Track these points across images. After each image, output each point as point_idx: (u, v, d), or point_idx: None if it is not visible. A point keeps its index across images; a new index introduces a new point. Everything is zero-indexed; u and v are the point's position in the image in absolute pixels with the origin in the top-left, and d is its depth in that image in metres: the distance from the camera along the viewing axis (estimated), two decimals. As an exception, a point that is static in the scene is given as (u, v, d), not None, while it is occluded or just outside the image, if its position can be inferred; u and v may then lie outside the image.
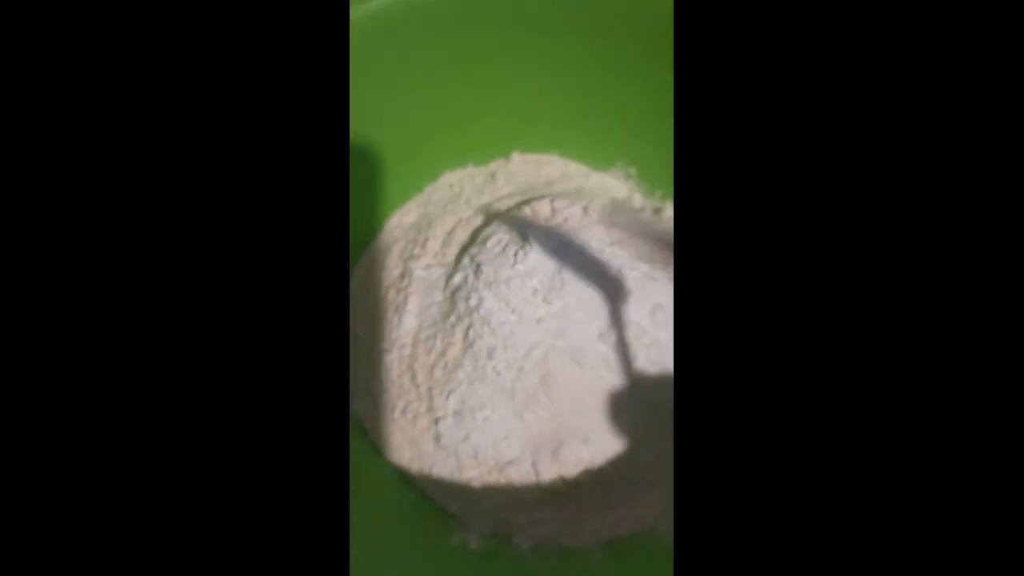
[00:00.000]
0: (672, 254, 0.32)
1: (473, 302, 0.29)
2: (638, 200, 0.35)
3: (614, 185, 0.36)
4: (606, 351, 0.28)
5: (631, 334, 0.29)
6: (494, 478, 0.29)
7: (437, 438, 0.29)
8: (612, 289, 0.29)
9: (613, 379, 0.29)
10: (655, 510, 0.29)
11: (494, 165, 0.36)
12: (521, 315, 0.29)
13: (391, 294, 0.32)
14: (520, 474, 0.29)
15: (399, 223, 0.34)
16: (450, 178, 0.36)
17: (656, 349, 0.29)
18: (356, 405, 0.31)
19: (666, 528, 0.29)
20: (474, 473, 0.29)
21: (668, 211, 0.34)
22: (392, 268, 0.33)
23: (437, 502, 0.30)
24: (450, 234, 0.33)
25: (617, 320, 0.29)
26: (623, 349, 0.29)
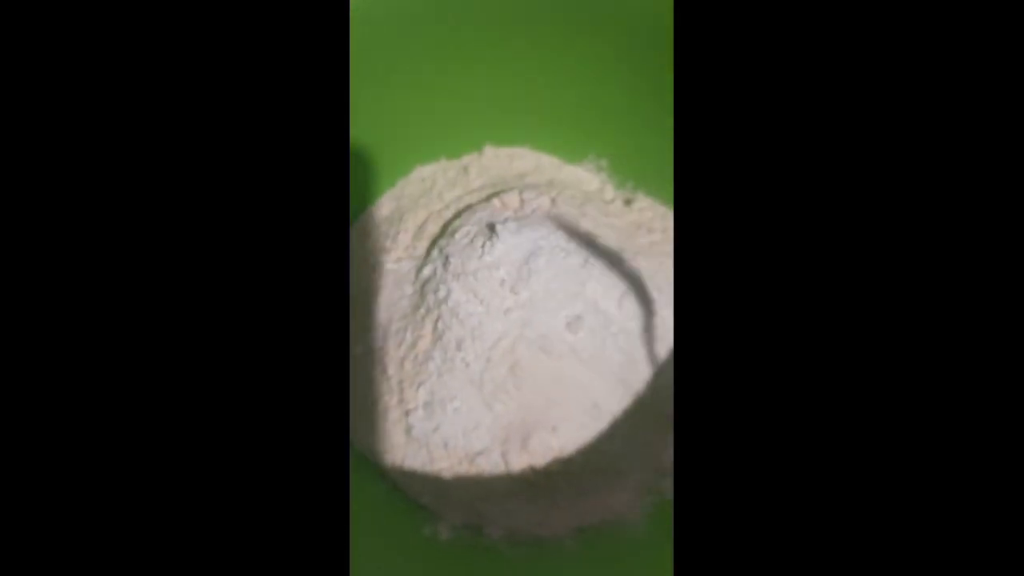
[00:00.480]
0: (640, 244, 0.32)
1: (442, 294, 0.29)
2: (609, 192, 0.35)
3: (586, 177, 0.36)
4: (573, 340, 0.29)
5: (599, 323, 0.29)
6: (465, 469, 0.29)
7: (408, 430, 0.29)
8: (579, 279, 0.29)
9: (581, 368, 0.29)
10: (625, 498, 0.29)
11: (466, 159, 0.36)
12: (489, 306, 0.29)
13: (362, 288, 0.32)
14: (490, 464, 0.29)
15: (371, 217, 0.35)
16: (422, 172, 0.36)
17: (624, 337, 0.29)
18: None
19: (636, 516, 0.29)
20: (445, 464, 0.29)
21: (638, 202, 0.35)
22: (363, 262, 0.33)
23: (409, 494, 0.30)
24: (421, 227, 0.33)
25: (584, 309, 0.29)
26: (592, 339, 0.29)
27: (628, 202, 0.35)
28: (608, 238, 0.31)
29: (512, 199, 0.32)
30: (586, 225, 0.31)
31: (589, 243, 0.30)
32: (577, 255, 0.29)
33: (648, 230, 0.33)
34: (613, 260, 0.30)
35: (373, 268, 0.32)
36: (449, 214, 0.33)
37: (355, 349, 0.31)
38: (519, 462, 0.28)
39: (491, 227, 0.30)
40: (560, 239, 0.30)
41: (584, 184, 0.36)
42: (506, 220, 0.30)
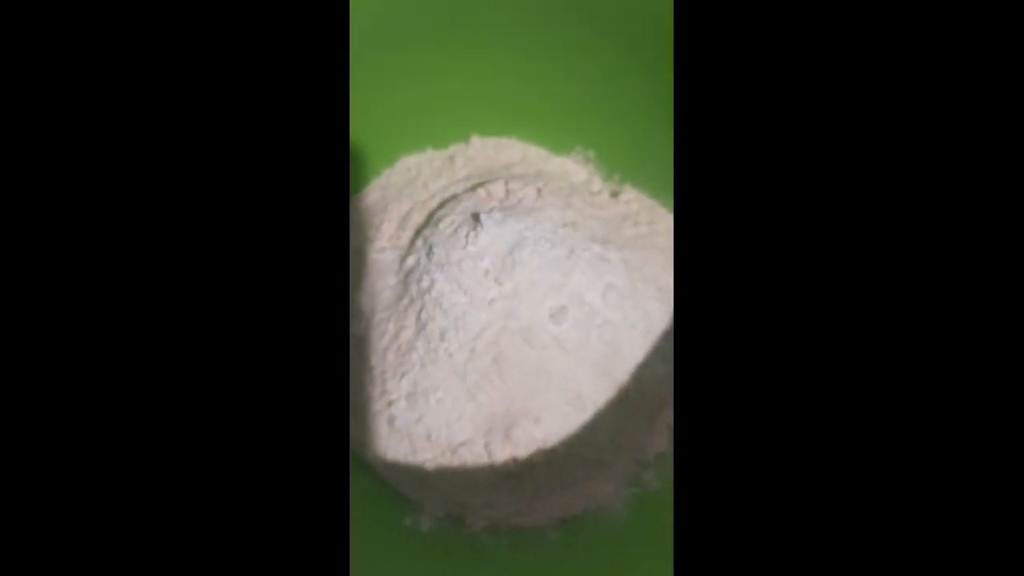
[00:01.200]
0: (626, 235, 0.32)
1: (425, 284, 0.29)
2: (597, 183, 0.35)
3: (573, 168, 0.36)
4: (557, 331, 0.28)
5: (583, 314, 0.29)
6: (447, 460, 0.29)
7: (391, 421, 0.29)
8: (564, 270, 0.29)
9: (564, 359, 0.29)
10: (608, 488, 0.29)
11: (453, 149, 0.36)
12: (473, 296, 0.29)
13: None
14: (473, 455, 0.29)
15: (356, 206, 0.34)
16: (408, 162, 0.36)
17: (608, 329, 0.29)
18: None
19: (618, 507, 0.29)
20: (428, 455, 0.29)
21: (625, 194, 0.34)
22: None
23: (391, 485, 0.30)
24: (406, 217, 0.33)
25: (569, 300, 0.29)
26: (576, 330, 0.29)
27: (615, 194, 0.35)
28: (594, 229, 0.31)
29: (498, 189, 0.32)
30: (572, 216, 0.31)
31: (574, 234, 0.30)
32: (562, 246, 0.29)
33: (634, 222, 0.33)
34: (598, 252, 0.30)
35: (357, 257, 0.32)
36: (434, 204, 0.33)
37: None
38: (502, 453, 0.28)
39: (476, 217, 0.29)
40: (545, 230, 0.30)
41: (571, 175, 0.35)
42: (491, 210, 0.30)
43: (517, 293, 0.28)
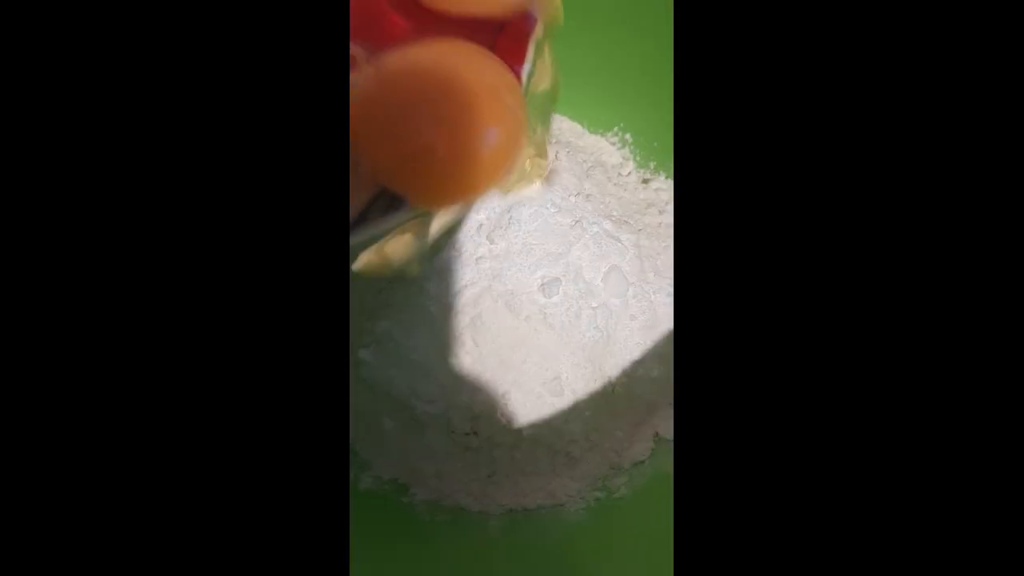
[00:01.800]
0: (646, 222, 0.30)
1: (416, 229, 0.27)
2: (629, 167, 0.33)
3: (608, 149, 0.33)
4: (545, 303, 0.26)
5: (577, 291, 0.26)
6: (405, 419, 0.27)
7: (356, 365, 0.27)
8: (566, 240, 0.26)
9: (548, 335, 0.26)
10: (571, 487, 0.26)
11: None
12: (460, 250, 0.26)
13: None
14: (433, 421, 0.26)
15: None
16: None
17: (603, 313, 0.26)
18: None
19: (578, 509, 0.26)
20: (385, 408, 0.27)
21: (655, 183, 0.32)
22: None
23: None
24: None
25: (565, 273, 0.26)
26: (566, 306, 0.26)
27: (646, 181, 0.32)
28: (610, 207, 0.29)
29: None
30: (588, 188, 0.28)
31: (586, 205, 0.28)
32: (568, 215, 0.27)
33: (659, 210, 0.30)
34: (609, 229, 0.27)
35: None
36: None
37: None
38: (463, 423, 0.26)
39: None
40: (554, 194, 0.27)
41: (604, 155, 0.33)
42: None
43: (509, 255, 0.26)
